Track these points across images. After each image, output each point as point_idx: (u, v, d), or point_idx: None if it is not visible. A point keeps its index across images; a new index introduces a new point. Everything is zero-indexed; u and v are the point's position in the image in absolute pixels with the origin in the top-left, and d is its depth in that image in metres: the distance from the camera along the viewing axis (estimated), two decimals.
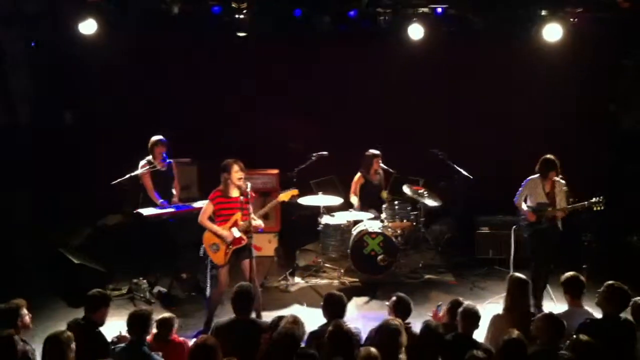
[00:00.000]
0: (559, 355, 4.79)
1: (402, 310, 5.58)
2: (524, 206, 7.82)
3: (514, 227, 8.28)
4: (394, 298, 5.75)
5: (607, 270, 7.72)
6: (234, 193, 7.11)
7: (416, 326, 5.50)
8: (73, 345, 4.83)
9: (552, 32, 8.86)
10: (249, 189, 7.05)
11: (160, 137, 8.58)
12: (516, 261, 8.36)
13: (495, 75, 10.37)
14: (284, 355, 4.80)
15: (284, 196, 7.55)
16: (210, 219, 7.18)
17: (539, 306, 7.41)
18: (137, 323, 5.26)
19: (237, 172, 7.03)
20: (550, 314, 5.47)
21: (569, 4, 8.78)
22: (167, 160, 8.67)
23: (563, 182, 7.68)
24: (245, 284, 5.86)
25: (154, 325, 5.46)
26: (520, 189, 7.85)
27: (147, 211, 8.23)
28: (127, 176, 8.15)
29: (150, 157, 8.52)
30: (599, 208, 7.48)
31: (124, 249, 9.11)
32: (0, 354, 4.77)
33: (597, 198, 7.46)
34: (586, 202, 7.51)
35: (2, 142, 9.33)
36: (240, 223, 7.07)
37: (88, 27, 8.67)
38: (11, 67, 9.67)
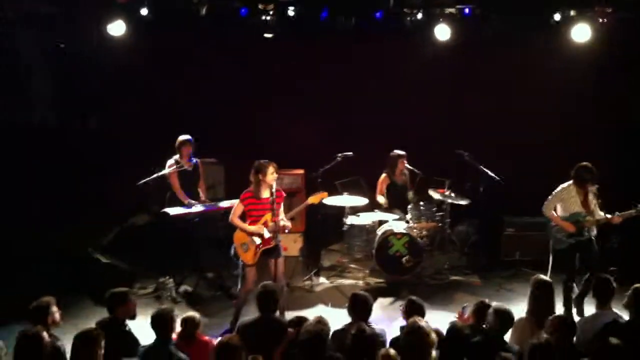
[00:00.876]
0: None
1: (415, 313, 5.53)
2: (557, 215, 7.53)
3: (552, 241, 7.82)
4: (406, 301, 5.77)
5: (636, 273, 7.60)
6: (265, 194, 7.17)
7: (442, 327, 5.48)
8: (102, 343, 4.89)
9: (581, 33, 8.76)
10: (274, 189, 7.10)
11: (187, 136, 8.64)
12: (543, 262, 8.33)
13: (524, 75, 10.26)
14: (311, 355, 4.80)
15: (314, 199, 7.55)
16: (241, 219, 7.25)
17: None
18: (160, 322, 5.31)
19: (272, 174, 7.10)
20: (561, 315, 5.44)
21: (598, 3, 8.66)
22: (194, 160, 8.73)
23: (593, 188, 7.46)
24: (269, 283, 5.89)
25: (179, 323, 5.51)
26: (550, 197, 7.57)
27: (173, 211, 8.29)
28: (155, 176, 8.23)
29: (177, 157, 8.58)
30: None
31: (151, 248, 9.18)
32: (27, 351, 4.86)
33: None
34: (634, 211, 7.28)
35: (22, 141, 9.43)
36: (270, 224, 7.12)
37: (117, 28, 8.74)
38: (30, 67, 9.76)
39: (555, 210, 7.59)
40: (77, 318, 7.44)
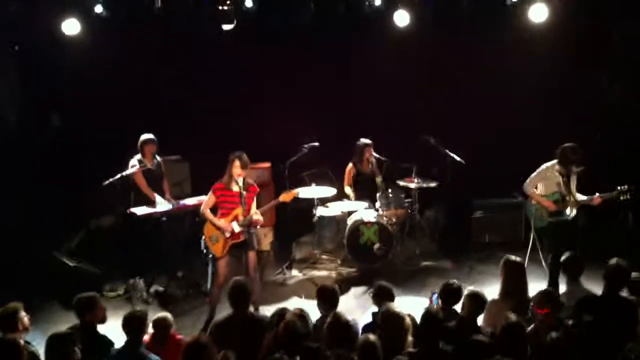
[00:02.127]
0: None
1: (383, 298, 5.58)
2: (538, 193, 7.56)
3: (532, 219, 7.85)
4: (374, 287, 5.79)
5: (602, 249, 7.71)
6: (236, 187, 7.09)
7: (417, 313, 5.48)
8: (78, 345, 4.81)
9: (538, 13, 8.79)
10: (240, 183, 7.00)
11: (150, 135, 8.53)
12: (513, 243, 8.40)
13: (484, 57, 10.30)
14: (287, 349, 4.76)
15: (286, 197, 7.49)
16: (212, 211, 7.16)
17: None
18: (133, 325, 5.22)
19: (236, 168, 7.02)
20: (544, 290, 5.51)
21: None
22: (157, 159, 8.62)
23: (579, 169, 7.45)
24: (240, 278, 5.82)
25: (150, 325, 5.42)
26: (532, 175, 7.57)
27: (139, 210, 8.18)
28: (118, 176, 8.09)
29: (139, 156, 8.47)
30: (626, 197, 7.28)
31: (119, 250, 9.04)
32: (6, 358, 4.74)
33: (624, 187, 7.27)
34: (614, 192, 7.32)
35: None
36: (241, 218, 7.04)
37: (71, 27, 8.55)
38: None
39: (535, 188, 7.61)
40: (48, 323, 7.31)
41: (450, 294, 5.62)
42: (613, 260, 5.64)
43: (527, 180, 7.61)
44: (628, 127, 10.09)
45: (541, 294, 5.41)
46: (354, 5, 9.21)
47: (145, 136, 8.52)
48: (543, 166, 7.55)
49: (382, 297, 5.59)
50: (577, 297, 5.61)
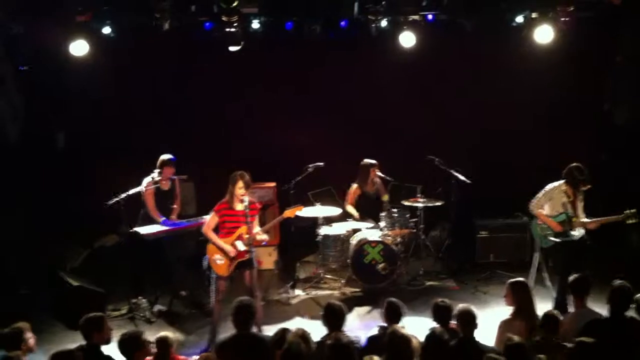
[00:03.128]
0: None
1: (393, 315, 5.58)
2: (545, 214, 7.58)
3: (537, 239, 7.88)
4: (385, 304, 5.75)
5: (608, 270, 7.67)
6: (239, 206, 7.09)
7: (421, 333, 5.45)
8: None
9: (544, 34, 8.81)
10: (246, 202, 6.99)
11: (170, 156, 8.45)
12: (518, 263, 8.34)
13: (488, 78, 10.35)
14: None
15: (289, 212, 7.51)
16: (215, 230, 7.16)
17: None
18: (127, 347, 5.19)
19: (240, 189, 7.01)
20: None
21: (560, 3, 8.70)
22: (171, 179, 8.60)
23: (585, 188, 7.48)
24: (245, 298, 5.77)
25: (153, 345, 5.38)
26: (538, 195, 7.61)
27: (144, 230, 8.15)
28: (131, 192, 8.07)
29: (155, 175, 8.39)
30: (633, 221, 7.27)
31: (122, 269, 9.02)
32: None
33: (630, 210, 7.26)
34: (621, 215, 7.32)
35: None
36: (245, 237, 7.03)
37: (79, 48, 8.57)
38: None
39: (542, 208, 7.62)
40: (50, 343, 7.24)
41: (438, 312, 5.61)
42: (616, 282, 5.63)
43: (534, 201, 7.63)
44: (633, 147, 10.08)
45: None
46: (360, 26, 9.23)
47: (166, 156, 8.42)
48: (549, 186, 7.57)
49: (391, 313, 5.60)
50: (583, 318, 5.56)
